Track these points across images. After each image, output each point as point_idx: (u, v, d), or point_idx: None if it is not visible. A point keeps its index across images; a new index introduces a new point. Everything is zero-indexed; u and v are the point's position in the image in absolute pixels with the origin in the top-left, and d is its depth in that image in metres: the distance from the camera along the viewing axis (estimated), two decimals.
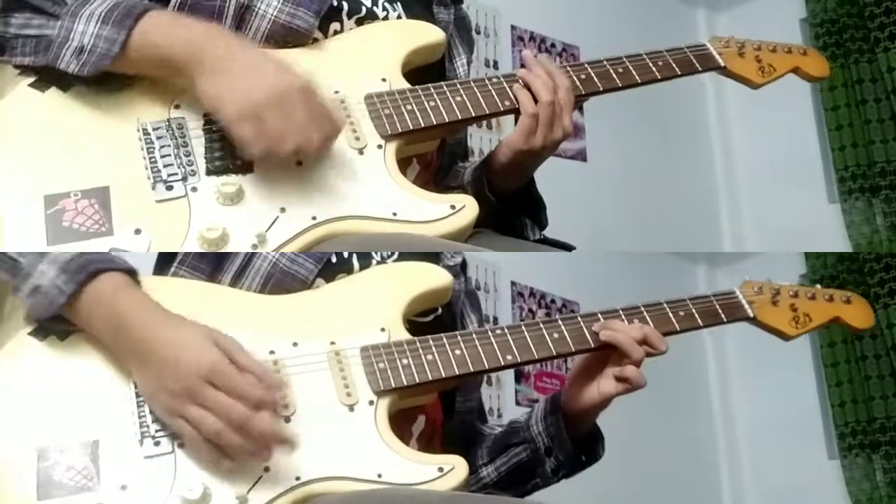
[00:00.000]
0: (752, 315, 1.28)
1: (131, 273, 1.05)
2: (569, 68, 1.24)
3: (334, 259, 1.14)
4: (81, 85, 1.08)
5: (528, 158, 1.23)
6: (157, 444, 0.99)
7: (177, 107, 1.10)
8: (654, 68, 1.28)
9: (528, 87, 1.20)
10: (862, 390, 3.51)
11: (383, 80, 1.16)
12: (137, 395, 1.01)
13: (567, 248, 1.34)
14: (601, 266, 3.35)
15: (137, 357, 1.01)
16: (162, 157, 1.07)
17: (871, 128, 3.62)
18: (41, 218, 1.01)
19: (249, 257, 1.12)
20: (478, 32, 3.38)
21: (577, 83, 1.23)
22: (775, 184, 3.87)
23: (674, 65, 1.29)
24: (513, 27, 3.51)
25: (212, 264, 1.13)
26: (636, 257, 3.59)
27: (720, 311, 1.26)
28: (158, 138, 1.08)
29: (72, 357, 1.04)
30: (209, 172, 1.07)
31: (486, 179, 1.28)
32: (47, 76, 1.08)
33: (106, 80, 1.08)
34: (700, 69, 1.32)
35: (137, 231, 1.02)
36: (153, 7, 1.07)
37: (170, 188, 1.05)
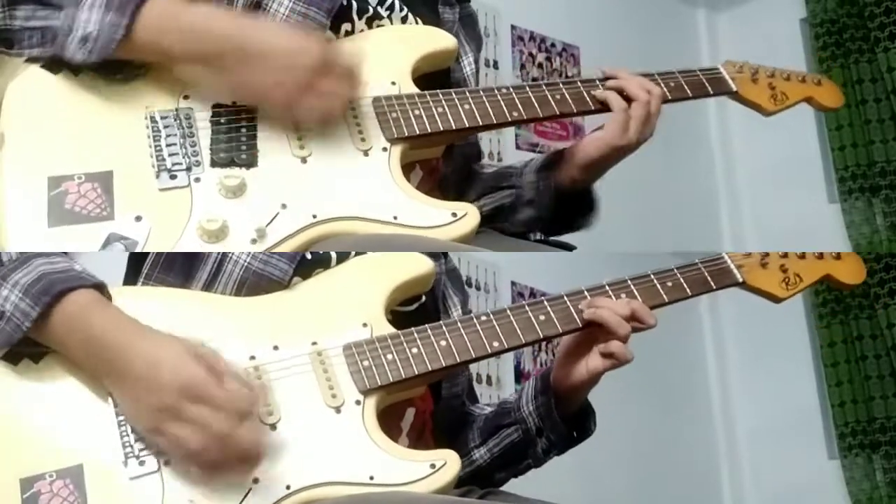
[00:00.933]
0: (741, 280, 1.25)
1: (100, 288, 1.02)
2: (579, 83, 1.25)
3: (309, 255, 1.12)
4: (91, 79, 1.08)
5: (619, 154, 1.26)
6: (141, 463, 0.96)
7: (186, 97, 1.10)
8: (665, 89, 1.28)
9: (617, 88, 1.23)
10: (862, 390, 3.50)
11: (393, 83, 1.16)
12: (118, 415, 0.98)
13: (567, 248, 1.34)
14: (601, 266, 3.32)
15: (114, 376, 0.98)
16: (168, 146, 1.06)
17: (871, 128, 3.62)
18: (44, 199, 1.01)
19: (219, 264, 1.10)
20: None
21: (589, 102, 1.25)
22: (775, 184, 3.86)
23: (685, 86, 1.29)
24: (513, 27, 3.50)
25: (180, 276, 1.11)
26: (636, 257, 3.58)
27: (709, 278, 1.24)
28: (165, 127, 1.07)
29: (48, 380, 1.00)
30: (213, 164, 1.06)
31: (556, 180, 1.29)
32: (59, 59, 1.08)
33: (117, 68, 1.08)
34: (712, 93, 1.32)
35: (138, 218, 1.01)
36: None
37: (173, 177, 1.05)
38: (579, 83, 1.24)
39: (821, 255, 1.31)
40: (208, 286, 1.10)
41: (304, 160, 1.08)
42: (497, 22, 3.45)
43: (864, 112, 3.63)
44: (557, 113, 1.22)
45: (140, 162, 1.05)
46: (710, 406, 3.87)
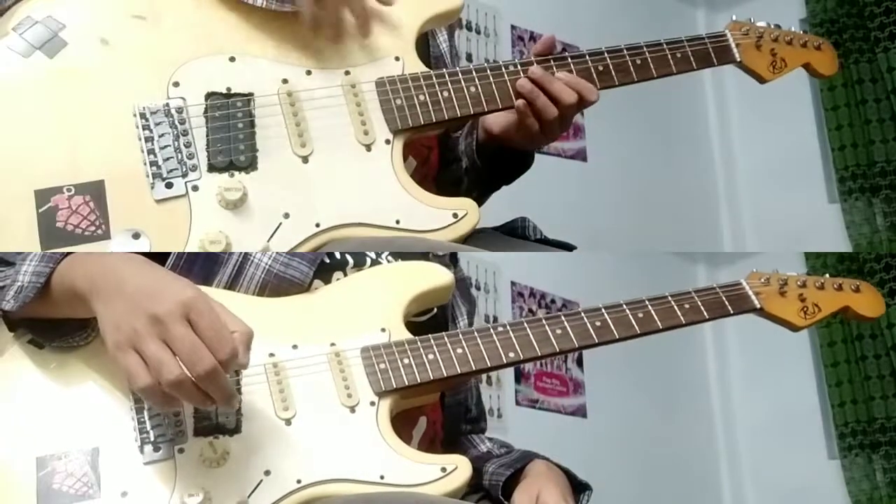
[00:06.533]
0: (759, 306, 1.26)
1: None
2: (588, 58, 1.22)
3: (328, 259, 1.13)
4: (69, 64, 1.03)
5: (523, 147, 1.26)
6: (156, 449, 0.98)
7: (175, 84, 1.05)
8: (671, 61, 1.25)
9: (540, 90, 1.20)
10: (862, 390, 3.51)
11: (397, 59, 1.14)
12: (136, 401, 1.00)
13: (567, 247, 1.34)
14: (601, 266, 3.35)
15: (111, 291, 0.94)
16: (161, 148, 1.02)
17: (871, 128, 3.62)
18: (33, 217, 0.97)
19: (240, 265, 1.10)
20: (478, 32, 3.38)
21: (594, 76, 1.21)
22: (775, 184, 3.87)
23: (692, 57, 1.27)
24: (513, 27, 3.51)
25: (199, 277, 1.09)
26: (636, 257, 3.59)
27: (727, 302, 1.24)
28: (157, 124, 1.03)
29: (71, 364, 1.02)
30: (211, 168, 1.03)
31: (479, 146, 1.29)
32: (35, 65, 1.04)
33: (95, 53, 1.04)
34: (716, 63, 1.30)
35: (136, 235, 0.99)
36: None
37: (169, 186, 1.01)
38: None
39: (840, 287, 1.31)
40: (229, 288, 1.10)
41: (305, 159, 1.07)
42: (497, 22, 3.45)
43: (864, 112, 3.63)
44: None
45: (132, 167, 1.01)
46: (710, 406, 3.87)
